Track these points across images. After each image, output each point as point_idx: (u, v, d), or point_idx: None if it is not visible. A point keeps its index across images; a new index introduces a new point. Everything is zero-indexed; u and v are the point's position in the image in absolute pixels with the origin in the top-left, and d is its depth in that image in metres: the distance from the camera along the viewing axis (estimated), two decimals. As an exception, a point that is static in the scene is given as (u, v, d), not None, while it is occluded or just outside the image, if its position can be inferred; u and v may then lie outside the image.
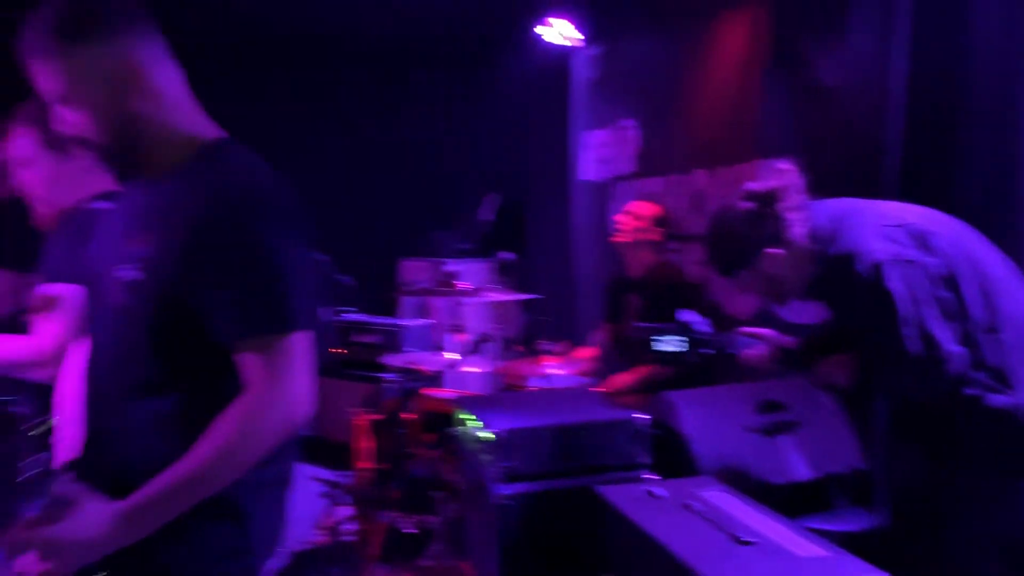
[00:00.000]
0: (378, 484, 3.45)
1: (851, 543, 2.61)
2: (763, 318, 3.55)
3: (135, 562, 1.35)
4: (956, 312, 1.98)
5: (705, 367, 3.02)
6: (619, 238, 3.66)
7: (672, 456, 2.73)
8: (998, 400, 1.96)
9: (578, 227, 5.42)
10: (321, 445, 5.32)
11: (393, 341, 5.06)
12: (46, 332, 1.85)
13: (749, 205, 2.21)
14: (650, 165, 4.53)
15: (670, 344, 2.49)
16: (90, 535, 1.28)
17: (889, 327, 1.98)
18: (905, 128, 2.76)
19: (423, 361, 3.82)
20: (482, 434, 2.56)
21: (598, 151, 5.15)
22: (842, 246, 2.06)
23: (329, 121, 6.42)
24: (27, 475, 1.83)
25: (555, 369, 3.49)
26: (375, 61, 6.29)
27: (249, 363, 1.36)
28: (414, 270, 6.17)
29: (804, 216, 2.17)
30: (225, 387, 1.37)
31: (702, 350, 2.49)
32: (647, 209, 3.64)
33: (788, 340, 2.39)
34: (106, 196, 2.03)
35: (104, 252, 1.49)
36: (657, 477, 2.46)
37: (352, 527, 3.58)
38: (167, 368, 1.39)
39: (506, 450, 2.43)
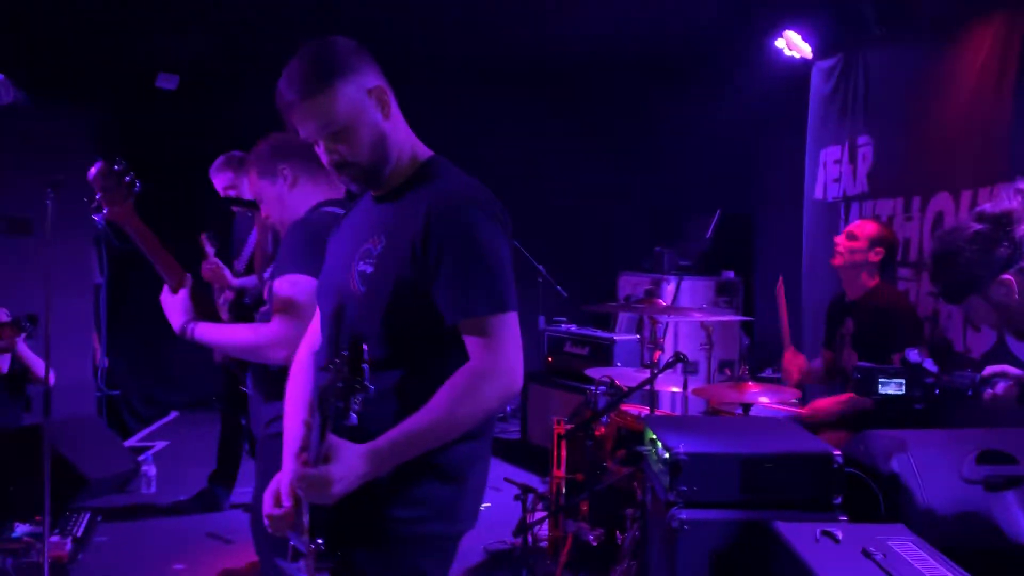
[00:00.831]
0: (570, 494, 3.51)
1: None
2: (998, 354, 3.19)
3: (367, 514, 1.59)
4: None
5: (934, 407, 2.78)
6: (836, 260, 3.45)
7: (870, 500, 2.54)
8: None
9: (808, 248, 5.15)
10: (528, 449, 5.50)
11: (602, 354, 5.12)
12: (284, 320, 2.14)
13: (981, 227, 2.05)
14: (886, 185, 4.21)
15: (892, 387, 2.33)
16: (348, 468, 1.49)
17: None
18: None
19: (627, 376, 3.82)
20: (665, 455, 2.53)
21: (831, 169, 4.87)
22: None
23: (556, 137, 6.61)
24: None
25: (762, 397, 3.35)
26: (607, 76, 6.38)
27: (471, 338, 1.60)
28: (633, 284, 6.18)
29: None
30: (444, 364, 1.60)
31: (930, 392, 2.31)
32: (866, 229, 3.40)
33: None
34: (330, 204, 2.32)
35: (346, 249, 1.75)
36: (845, 519, 2.29)
37: (544, 533, 3.67)
38: (397, 346, 1.63)
39: (685, 474, 2.38)
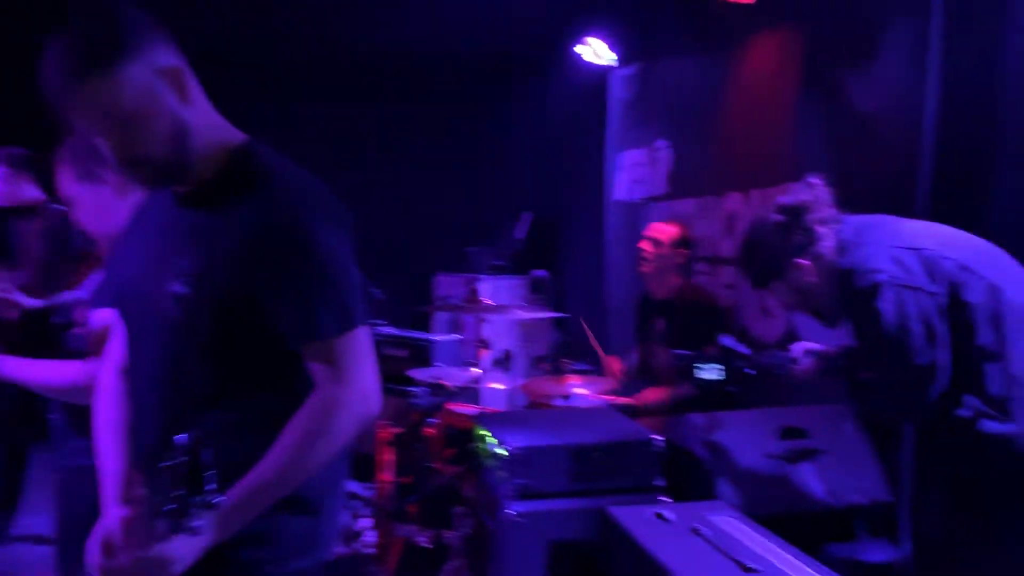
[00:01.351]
0: (398, 497, 3.46)
1: (871, 574, 2.57)
2: (789, 340, 3.50)
3: (219, 560, 1.38)
4: (953, 341, 1.99)
5: (744, 389, 3.03)
6: (645, 267, 3.65)
7: (689, 480, 2.71)
8: (991, 427, 1.95)
9: (611, 247, 5.41)
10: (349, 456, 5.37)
11: (422, 355, 5.09)
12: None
13: (780, 218, 2.29)
14: (683, 186, 4.51)
15: (712, 372, 2.51)
16: (188, 544, 1.29)
17: (871, 344, 2.08)
18: (937, 154, 2.71)
19: (449, 376, 3.83)
20: (497, 450, 2.56)
21: (632, 171, 5.14)
22: (849, 260, 2.13)
23: (367, 136, 6.52)
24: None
25: (580, 388, 3.48)
26: (415, 78, 6.37)
27: (317, 363, 1.40)
28: (447, 285, 6.21)
29: (833, 229, 2.22)
30: (285, 398, 1.41)
31: (746, 370, 2.52)
32: (666, 233, 3.62)
33: (833, 351, 2.44)
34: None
35: (148, 257, 1.49)
36: (670, 500, 2.43)
37: (371, 539, 3.60)
38: (225, 381, 1.42)
39: (519, 467, 2.42)
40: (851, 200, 2.30)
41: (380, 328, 5.54)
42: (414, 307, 4.76)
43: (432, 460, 3.41)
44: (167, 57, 1.39)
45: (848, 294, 2.11)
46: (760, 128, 3.77)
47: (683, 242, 3.62)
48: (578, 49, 5.25)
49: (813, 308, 2.36)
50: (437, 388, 3.76)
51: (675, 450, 2.74)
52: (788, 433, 2.77)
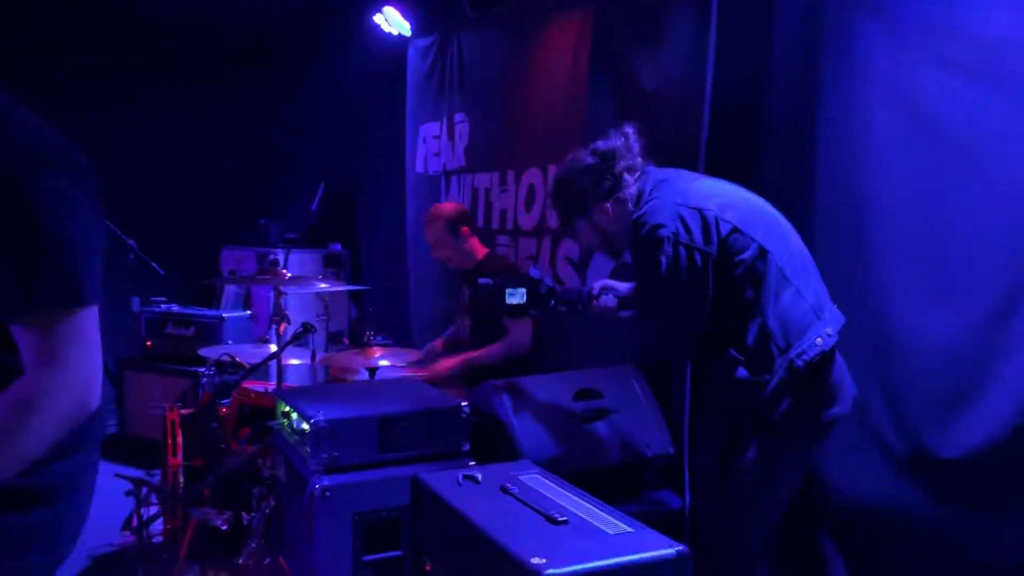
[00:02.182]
0: (189, 481, 3.27)
1: (661, 522, 2.78)
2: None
3: None
4: (718, 294, 2.21)
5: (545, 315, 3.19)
6: (436, 255, 3.71)
7: (494, 443, 2.78)
8: (742, 373, 2.19)
9: (412, 220, 5.39)
10: (128, 443, 5.00)
11: (210, 333, 4.83)
12: None
13: (592, 160, 2.42)
14: (482, 160, 4.57)
15: (519, 296, 2.59)
16: None
17: (647, 288, 2.32)
18: (712, 130, 2.94)
19: (242, 353, 3.66)
20: (303, 425, 2.48)
21: (430, 144, 5.14)
22: (642, 211, 2.30)
23: (155, 106, 6.03)
24: None
25: (381, 360, 3.45)
26: (206, 45, 5.97)
27: (30, 340, 1.23)
28: (237, 259, 5.92)
29: (637, 179, 2.39)
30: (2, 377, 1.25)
31: (551, 302, 2.65)
32: (437, 218, 3.67)
33: (626, 290, 2.64)
34: None
35: None
36: (474, 463, 2.48)
37: (160, 527, 3.38)
38: None
39: (324, 441, 2.37)
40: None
41: (162, 306, 5.19)
42: (201, 281, 4.47)
43: (226, 440, 3.25)
44: None
45: (636, 241, 2.29)
46: (556, 105, 3.90)
47: (458, 219, 3.65)
48: (376, 19, 5.15)
49: (609, 249, 2.53)
50: (229, 366, 3.58)
51: (480, 415, 2.80)
52: (583, 394, 2.92)
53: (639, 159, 2.42)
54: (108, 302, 4.41)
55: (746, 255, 2.21)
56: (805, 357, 2.16)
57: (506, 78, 4.30)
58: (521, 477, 2.09)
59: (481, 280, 2.66)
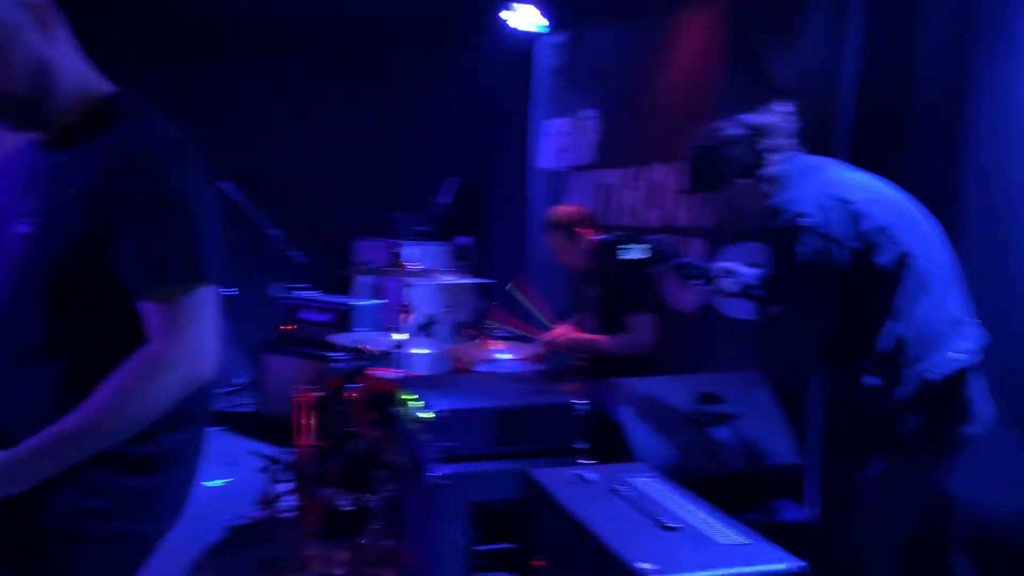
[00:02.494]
0: (318, 461, 3.43)
1: (780, 534, 2.68)
2: (706, 313, 3.59)
3: (41, 505, 1.33)
4: (855, 295, 2.08)
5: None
6: (560, 258, 3.68)
7: (610, 443, 2.76)
8: (871, 381, 2.06)
9: (534, 215, 5.42)
10: (264, 421, 5.29)
11: (343, 320, 5.03)
12: None
13: (739, 131, 2.30)
14: (609, 156, 4.54)
15: (636, 252, 2.54)
16: None
17: (780, 280, 2.20)
18: (854, 129, 2.80)
19: (371, 341, 3.80)
20: (421, 414, 2.55)
21: (557, 140, 5.15)
22: (782, 196, 2.17)
23: (291, 99, 6.34)
24: None
25: (503, 353, 3.50)
26: (339, 41, 6.21)
27: (153, 314, 1.34)
28: (369, 250, 6.13)
29: (781, 159, 2.26)
30: (120, 354, 1.34)
31: (669, 261, 2.58)
32: (558, 220, 3.62)
33: (750, 279, 2.52)
34: None
35: (3, 208, 1.45)
36: (592, 462, 2.47)
37: (291, 503, 3.56)
38: (59, 329, 1.36)
39: (444, 430, 2.43)
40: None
41: (301, 292, 5.46)
42: (336, 271, 4.67)
43: (353, 424, 3.38)
44: None
45: (772, 228, 2.17)
46: (685, 100, 3.82)
47: (576, 221, 3.60)
48: (504, 15, 5.20)
49: (740, 228, 2.46)
50: (358, 353, 3.72)
51: (597, 413, 2.79)
52: (705, 398, 2.86)
53: (788, 140, 2.29)
54: (251, 287, 4.70)
55: (888, 256, 2.08)
56: (937, 371, 2.03)
57: (637, 73, 4.25)
58: (634, 480, 2.07)
59: (598, 238, 2.63)
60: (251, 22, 5.91)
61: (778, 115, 2.30)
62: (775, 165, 2.26)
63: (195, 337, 1.34)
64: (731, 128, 2.32)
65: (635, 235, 2.64)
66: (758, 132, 2.28)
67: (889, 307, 2.07)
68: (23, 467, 1.27)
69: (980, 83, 2.48)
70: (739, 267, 2.58)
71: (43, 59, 1.36)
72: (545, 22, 5.15)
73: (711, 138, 2.36)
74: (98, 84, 1.45)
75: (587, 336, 3.47)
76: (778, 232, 2.15)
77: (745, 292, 2.51)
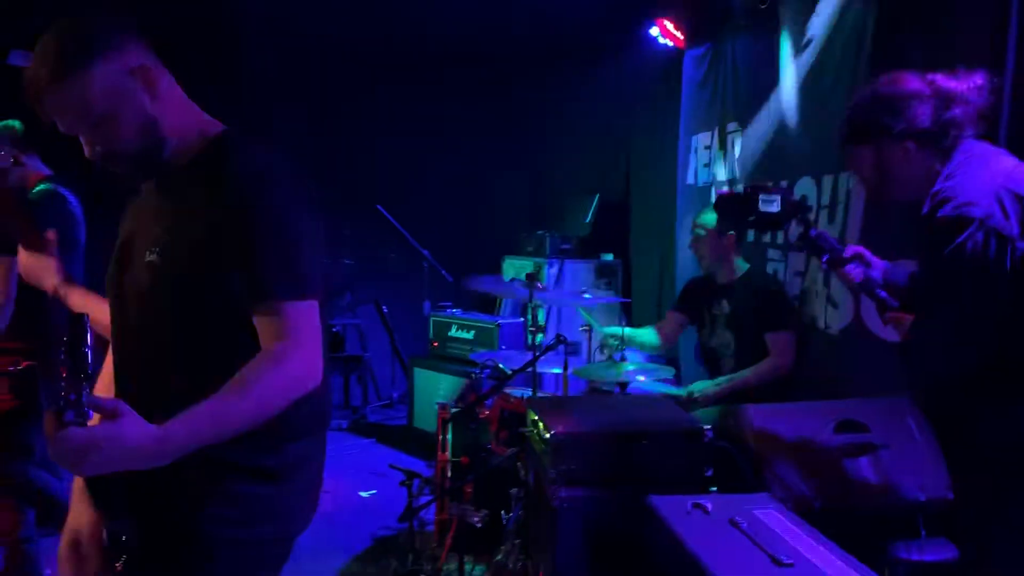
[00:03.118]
0: (456, 477, 3.52)
1: (930, 573, 2.49)
2: (855, 330, 3.38)
3: (174, 515, 1.46)
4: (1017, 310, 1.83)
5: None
6: (697, 255, 3.62)
7: (741, 471, 2.66)
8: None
9: (681, 231, 5.32)
10: (414, 434, 5.49)
11: (487, 337, 5.15)
12: None
13: (926, 89, 2.03)
14: (755, 170, 4.38)
15: (775, 205, 2.26)
16: (126, 441, 1.30)
17: (933, 281, 1.94)
18: (1008, 134, 2.57)
19: (511, 359, 3.86)
20: (546, 435, 2.57)
21: (701, 155, 5.05)
22: (949, 183, 1.92)
23: (439, 121, 6.57)
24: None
25: (638, 375, 3.45)
26: (482, 62, 6.38)
27: (265, 325, 1.46)
28: (517, 268, 6.23)
29: (956, 138, 2.00)
30: (234, 356, 1.45)
31: (799, 222, 2.31)
32: (707, 221, 3.57)
33: (880, 272, 2.30)
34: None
35: (132, 238, 1.61)
36: (715, 490, 2.39)
37: (430, 517, 3.67)
38: (187, 346, 1.50)
39: (564, 453, 2.43)
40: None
41: (447, 310, 5.64)
42: (472, 286, 4.79)
43: (489, 441, 3.45)
44: (137, 57, 1.51)
45: (932, 217, 1.91)
46: (833, 111, 3.64)
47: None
48: (652, 31, 5.17)
49: (878, 194, 2.15)
50: (497, 370, 3.80)
51: (729, 440, 2.70)
52: (846, 426, 2.70)
53: (970, 122, 2.00)
54: (403, 305, 4.91)
55: None
56: None
57: (780, 84, 4.09)
58: (755, 511, 2.00)
59: (722, 192, 2.43)
60: (396, 49, 6.17)
61: (971, 86, 2.01)
62: (948, 140, 1.99)
63: (304, 342, 1.45)
64: (915, 82, 2.03)
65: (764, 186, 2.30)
66: (947, 97, 1.99)
67: None
68: (177, 440, 1.36)
69: None
70: (870, 256, 2.32)
71: (151, 116, 1.51)
72: (687, 36, 5.07)
73: (891, 87, 2.06)
74: (208, 126, 1.60)
75: (731, 384, 3.39)
76: (941, 222, 1.87)
77: (867, 285, 2.23)
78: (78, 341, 1.28)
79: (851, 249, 2.29)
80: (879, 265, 2.32)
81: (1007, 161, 1.97)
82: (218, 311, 1.48)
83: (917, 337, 2.03)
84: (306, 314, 1.47)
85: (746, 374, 3.44)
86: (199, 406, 1.38)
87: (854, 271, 2.27)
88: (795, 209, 2.25)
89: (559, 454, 2.43)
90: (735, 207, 2.30)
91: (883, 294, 2.20)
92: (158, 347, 1.53)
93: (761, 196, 2.22)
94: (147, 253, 1.52)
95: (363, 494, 4.63)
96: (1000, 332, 1.85)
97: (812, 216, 3.63)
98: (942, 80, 2.01)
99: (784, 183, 4.05)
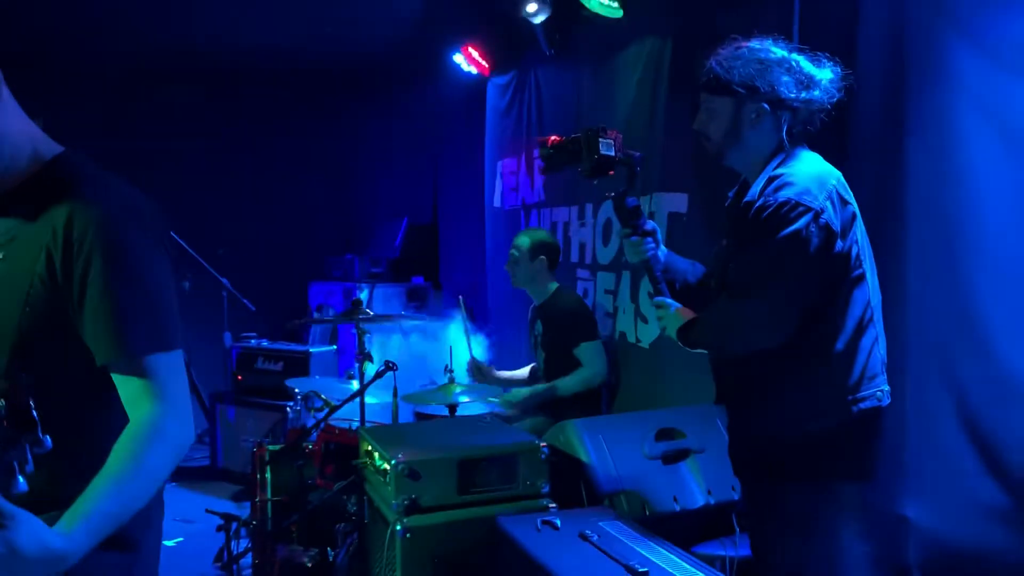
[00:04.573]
0: (277, 516, 3.35)
1: (748, 570, 2.69)
2: (668, 345, 3.60)
3: None
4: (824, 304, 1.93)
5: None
6: (513, 281, 3.74)
7: (573, 484, 2.75)
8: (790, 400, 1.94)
9: (491, 254, 5.44)
10: (219, 475, 5.16)
11: (298, 367, 4.96)
12: None
13: (793, 64, 2.01)
14: (560, 194, 4.58)
15: (612, 148, 2.22)
16: (39, 542, 1.16)
17: (745, 261, 1.97)
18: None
19: (328, 389, 3.74)
20: (384, 464, 2.52)
21: (508, 179, 5.19)
22: (786, 171, 1.97)
23: (238, 142, 6.30)
24: None
25: (464, 396, 3.47)
26: (287, 83, 6.22)
27: (131, 384, 1.32)
28: (325, 293, 6.08)
29: (798, 125, 2.04)
30: (95, 419, 1.34)
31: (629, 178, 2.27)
32: (521, 242, 3.70)
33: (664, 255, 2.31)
34: None
35: None
36: (554, 506, 2.46)
37: (250, 561, 3.47)
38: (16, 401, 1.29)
39: (406, 480, 2.39)
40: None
41: (252, 341, 5.37)
42: (291, 320, 4.61)
43: (312, 477, 3.31)
44: None
45: (767, 200, 1.93)
46: (632, 137, 3.87)
47: (540, 247, 3.68)
48: (456, 58, 5.25)
49: (717, 147, 2.11)
50: (315, 402, 3.66)
51: (559, 456, 2.78)
52: (664, 433, 2.87)
53: (818, 116, 2.04)
54: (202, 337, 4.57)
55: (856, 272, 1.99)
56: (863, 405, 1.95)
57: (582, 112, 4.31)
58: (601, 523, 2.07)
59: (553, 137, 2.29)
60: (198, 57, 5.86)
61: (831, 76, 2.02)
62: (794, 125, 2.02)
63: (179, 399, 1.35)
64: (781, 47, 2.04)
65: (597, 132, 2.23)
66: (809, 83, 2.00)
67: (840, 325, 1.96)
68: (94, 529, 1.23)
69: (912, 109, 2.51)
70: (660, 238, 2.33)
71: None
72: (492, 64, 5.21)
73: (764, 45, 2.04)
74: (44, 146, 1.42)
75: (541, 388, 3.51)
76: (775, 207, 1.90)
77: (652, 263, 2.25)
78: (22, 401, 1.09)
79: (650, 224, 2.31)
80: (663, 251, 2.36)
81: (828, 165, 2.07)
82: (59, 362, 1.33)
83: (728, 311, 2.05)
84: (173, 368, 1.35)
85: (557, 383, 3.56)
86: (97, 500, 1.23)
87: (650, 246, 2.26)
88: (628, 159, 2.23)
89: (400, 483, 2.39)
90: (571, 148, 2.26)
91: (659, 275, 2.25)
92: None
93: (601, 139, 2.20)
94: None
95: (168, 543, 4.28)
96: (801, 317, 1.93)
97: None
98: (808, 61, 2.04)
99: (589, 206, 4.27)
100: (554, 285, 3.77)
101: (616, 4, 3.70)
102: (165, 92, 5.99)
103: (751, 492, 2.12)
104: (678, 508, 2.75)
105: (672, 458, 2.84)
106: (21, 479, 1.10)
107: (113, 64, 5.72)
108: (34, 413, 1.11)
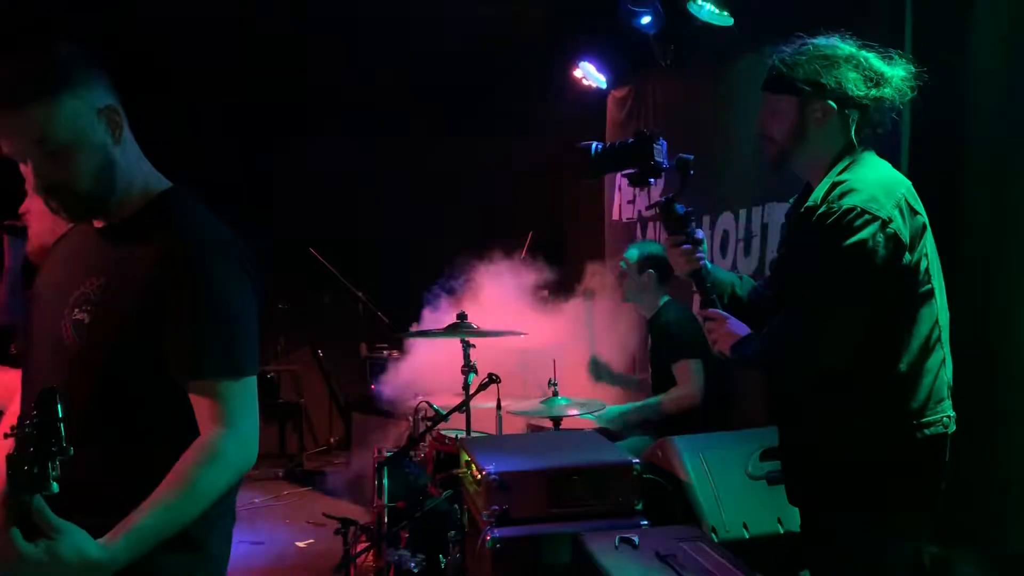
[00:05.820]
0: (393, 522, 3.48)
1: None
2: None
3: None
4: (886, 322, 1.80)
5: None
6: (621, 285, 3.70)
7: (671, 503, 2.71)
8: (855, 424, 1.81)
9: (611, 266, 5.42)
10: (349, 480, 5.40)
11: (420, 379, 5.12)
12: None
13: (862, 62, 1.90)
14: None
15: (663, 156, 2.16)
16: (79, 553, 1.25)
17: (807, 272, 1.84)
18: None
19: (444, 400, 3.85)
20: (478, 475, 2.58)
21: (625, 192, 5.17)
22: (848, 173, 1.86)
23: (376, 159, 6.55)
24: None
25: (570, 409, 3.48)
26: (422, 103, 6.40)
27: (204, 404, 1.43)
28: (446, 308, 6.23)
29: (866, 129, 1.92)
30: (167, 432, 1.43)
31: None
32: (635, 253, 3.65)
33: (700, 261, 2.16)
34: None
35: (57, 289, 1.54)
36: (645, 523, 2.43)
37: (366, 564, 3.61)
38: (113, 410, 1.44)
39: (496, 492, 2.44)
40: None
41: (385, 352, 5.60)
42: (405, 332, 4.78)
43: (424, 484, 3.43)
44: (106, 97, 1.48)
45: (830, 205, 1.81)
46: (747, 148, 3.78)
47: (648, 261, 3.61)
48: (575, 73, 5.29)
49: (778, 149, 2.00)
50: (431, 412, 3.78)
51: (657, 474, 2.74)
52: (770, 453, 2.77)
53: (889, 116, 1.91)
54: (340, 348, 4.82)
55: (924, 288, 1.85)
56: (928, 431, 1.81)
57: (698, 123, 4.23)
58: (683, 544, 2.04)
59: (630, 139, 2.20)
60: (325, 94, 6.16)
61: (903, 73, 1.90)
62: (862, 128, 1.91)
63: (244, 427, 1.43)
64: (849, 43, 1.92)
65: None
66: (880, 80, 1.87)
67: (905, 345, 1.82)
68: (136, 544, 1.32)
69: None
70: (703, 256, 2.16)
71: (110, 159, 1.48)
72: (610, 77, 5.21)
73: (831, 44, 1.93)
74: (154, 180, 1.57)
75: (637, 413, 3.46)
76: (839, 213, 1.77)
77: (701, 275, 2.12)
78: (51, 415, 1.23)
79: (699, 233, 2.18)
80: (708, 263, 2.22)
81: (902, 178, 1.95)
82: (148, 381, 1.44)
83: (785, 327, 1.91)
84: (242, 394, 1.44)
85: (652, 401, 3.50)
86: (142, 516, 1.33)
87: (700, 255, 2.14)
88: (682, 164, 2.13)
89: (491, 494, 2.44)
90: (621, 153, 2.18)
91: (710, 287, 2.13)
92: (77, 413, 1.42)
93: (655, 145, 2.12)
94: (75, 309, 1.47)
95: (300, 544, 4.54)
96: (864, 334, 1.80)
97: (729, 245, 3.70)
98: (877, 59, 1.92)
99: (707, 218, 4.19)
100: (664, 299, 3.71)
101: (726, 12, 3.63)
102: (303, 119, 6.33)
103: (806, 521, 2.01)
104: (782, 530, 2.65)
105: (778, 479, 2.74)
106: (53, 483, 1.22)
107: (261, 90, 6.10)
108: (60, 425, 1.22)
